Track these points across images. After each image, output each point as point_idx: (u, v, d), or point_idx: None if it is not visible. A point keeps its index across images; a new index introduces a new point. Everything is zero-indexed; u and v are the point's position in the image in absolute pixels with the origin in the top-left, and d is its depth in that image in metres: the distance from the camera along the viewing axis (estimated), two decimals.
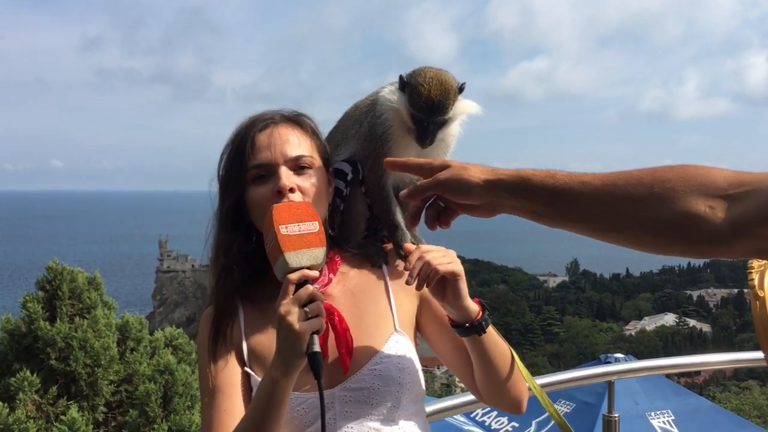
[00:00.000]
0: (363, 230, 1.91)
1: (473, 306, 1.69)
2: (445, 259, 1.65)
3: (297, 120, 1.80)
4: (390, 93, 1.84)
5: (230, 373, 1.71)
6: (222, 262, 1.74)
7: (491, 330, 1.74)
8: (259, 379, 1.65)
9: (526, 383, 1.86)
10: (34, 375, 5.87)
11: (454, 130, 1.87)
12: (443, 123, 1.81)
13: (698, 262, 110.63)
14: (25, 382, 5.78)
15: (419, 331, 1.86)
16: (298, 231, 1.56)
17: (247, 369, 1.71)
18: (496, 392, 1.80)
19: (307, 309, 1.50)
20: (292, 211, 1.59)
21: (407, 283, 1.62)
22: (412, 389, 1.71)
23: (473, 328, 1.69)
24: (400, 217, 1.86)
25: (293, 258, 1.54)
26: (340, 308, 1.70)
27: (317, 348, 1.50)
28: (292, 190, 1.68)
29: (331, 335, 1.68)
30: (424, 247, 1.69)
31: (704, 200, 1.25)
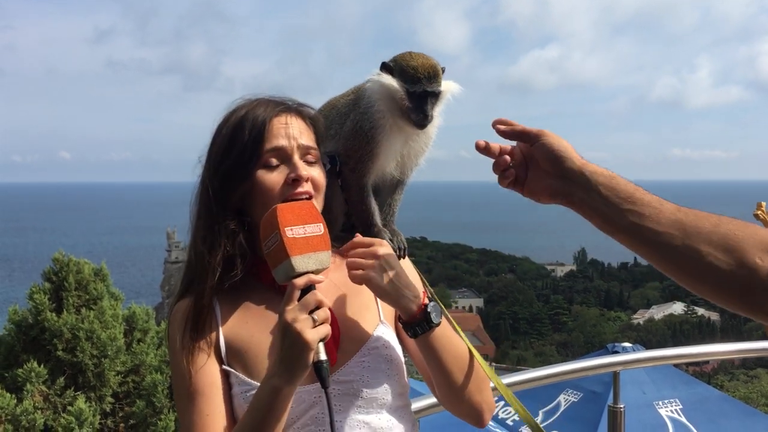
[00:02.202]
0: (341, 223, 1.88)
1: (410, 304, 1.63)
2: (363, 262, 1.63)
3: (304, 111, 1.75)
4: (379, 78, 1.80)
5: (209, 373, 1.62)
6: (224, 253, 1.64)
7: (445, 331, 1.67)
8: (241, 376, 1.61)
9: (492, 395, 1.78)
10: (42, 366, 5.89)
11: (438, 120, 1.85)
12: (437, 96, 1.80)
13: None
14: (33, 373, 5.79)
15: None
16: (304, 234, 1.51)
17: (226, 366, 1.64)
18: (454, 399, 1.74)
19: (314, 316, 1.45)
20: (296, 211, 1.54)
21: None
22: (399, 381, 1.68)
23: (418, 323, 1.64)
24: (377, 218, 1.84)
25: (300, 262, 1.48)
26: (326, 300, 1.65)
27: (323, 356, 1.46)
28: (307, 180, 1.64)
29: None
30: (359, 241, 1.67)
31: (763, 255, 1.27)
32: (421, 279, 1.85)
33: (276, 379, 1.46)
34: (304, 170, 1.64)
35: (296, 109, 1.73)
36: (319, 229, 1.54)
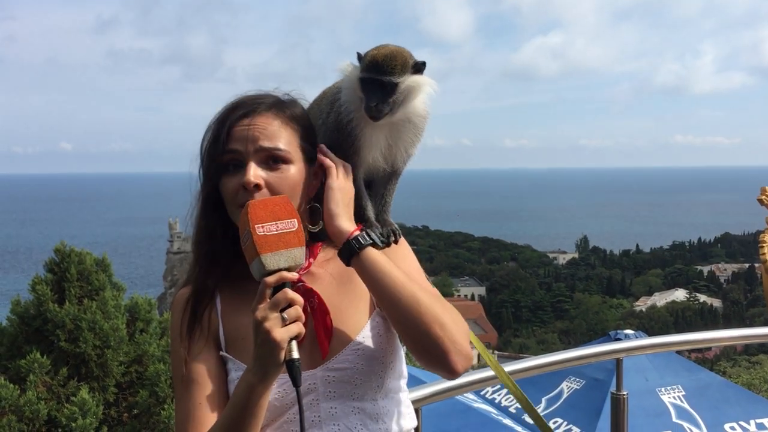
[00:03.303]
0: None
1: (348, 226, 1.63)
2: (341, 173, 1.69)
3: (282, 108, 1.71)
4: (347, 67, 1.78)
5: (206, 361, 1.64)
6: (206, 248, 1.69)
7: (383, 261, 1.61)
8: (238, 362, 1.62)
9: (455, 339, 1.59)
10: (45, 357, 5.91)
11: (418, 109, 1.78)
12: (390, 88, 1.71)
13: (709, 236, 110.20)
14: (36, 364, 5.81)
15: None
16: (276, 230, 1.48)
17: (224, 353, 1.65)
18: (407, 340, 1.62)
19: (285, 315, 1.44)
20: (269, 208, 1.51)
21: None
22: (396, 368, 1.69)
23: (348, 247, 1.60)
24: (371, 212, 1.80)
25: (270, 260, 1.46)
26: (321, 289, 1.64)
27: (296, 355, 1.44)
28: (257, 186, 1.60)
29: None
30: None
31: None
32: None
33: (250, 376, 1.47)
34: (254, 177, 1.60)
35: (273, 108, 1.70)
36: (292, 225, 1.50)
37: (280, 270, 1.47)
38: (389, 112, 1.73)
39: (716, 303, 77.47)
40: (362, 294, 1.72)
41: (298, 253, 1.50)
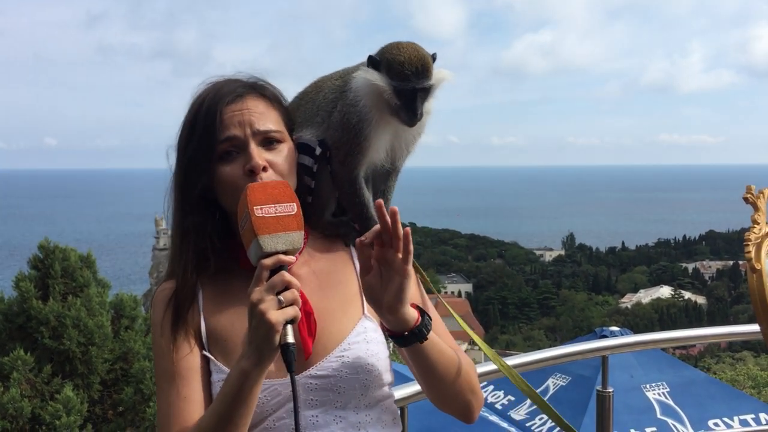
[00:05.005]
0: (333, 209, 1.80)
1: (412, 312, 1.56)
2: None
3: (262, 89, 1.70)
4: (365, 74, 1.71)
5: (190, 357, 1.60)
6: (194, 247, 1.63)
7: (434, 337, 1.61)
8: (219, 364, 1.59)
9: (477, 393, 1.71)
10: (28, 354, 5.86)
11: (431, 105, 1.77)
12: (428, 90, 1.72)
13: (694, 234, 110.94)
14: (19, 361, 5.77)
15: None
16: (275, 213, 1.47)
17: (206, 353, 1.61)
18: (439, 402, 1.71)
19: (281, 297, 1.41)
20: (268, 191, 1.50)
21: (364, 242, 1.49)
22: (381, 376, 1.63)
23: (413, 336, 1.56)
24: (373, 211, 1.76)
25: (268, 242, 1.45)
26: (305, 290, 1.56)
27: (291, 339, 1.42)
28: (264, 168, 1.60)
29: None
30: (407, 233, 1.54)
31: None
32: (414, 265, 1.81)
33: (244, 362, 1.43)
34: (260, 159, 1.60)
35: (254, 91, 1.68)
36: (291, 208, 1.50)
37: (277, 253, 1.46)
38: (424, 113, 1.73)
39: (701, 300, 78.04)
40: (349, 297, 1.68)
41: (297, 237, 1.49)
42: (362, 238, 1.50)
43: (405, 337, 1.57)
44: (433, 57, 1.75)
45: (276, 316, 1.40)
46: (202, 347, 1.63)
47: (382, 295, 1.52)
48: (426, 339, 1.58)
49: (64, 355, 6.06)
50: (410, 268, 1.51)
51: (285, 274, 1.44)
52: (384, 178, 1.86)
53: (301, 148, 1.73)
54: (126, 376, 6.34)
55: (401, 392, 2.64)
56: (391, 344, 1.71)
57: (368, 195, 1.78)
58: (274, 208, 1.48)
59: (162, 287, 1.69)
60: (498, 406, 5.52)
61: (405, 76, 1.68)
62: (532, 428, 5.50)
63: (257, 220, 1.46)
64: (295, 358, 1.43)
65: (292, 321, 1.43)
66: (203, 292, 1.67)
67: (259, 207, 1.47)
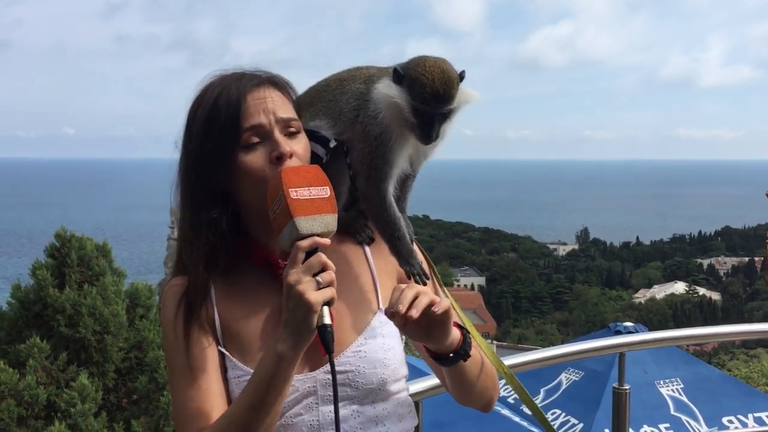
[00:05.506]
0: (345, 201, 1.78)
1: (455, 334, 1.58)
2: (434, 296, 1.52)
3: (279, 80, 1.68)
4: (386, 88, 1.68)
5: (208, 350, 1.58)
6: (209, 243, 1.59)
7: (476, 355, 1.65)
8: (235, 360, 1.57)
9: (498, 386, 1.78)
10: (44, 341, 5.91)
11: (451, 124, 1.75)
12: (448, 114, 1.69)
13: (709, 229, 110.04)
14: (35, 349, 5.82)
15: None
16: (309, 195, 1.47)
17: (222, 349, 1.59)
18: (468, 401, 1.75)
19: (319, 278, 1.41)
20: (302, 174, 1.50)
21: (398, 316, 1.47)
22: (397, 370, 1.63)
23: (457, 356, 1.59)
24: (404, 228, 1.74)
25: (304, 224, 1.44)
26: None
27: (328, 320, 1.42)
28: (291, 156, 1.58)
29: None
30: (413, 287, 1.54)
31: None
32: (426, 260, 1.80)
33: (280, 345, 1.42)
34: (287, 146, 1.58)
35: (270, 81, 1.66)
36: (325, 192, 1.49)
37: (313, 235, 1.45)
38: (443, 133, 1.72)
39: (715, 296, 77.45)
40: (365, 291, 1.67)
41: (331, 220, 1.49)
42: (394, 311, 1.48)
43: (449, 359, 1.59)
44: (461, 75, 1.71)
45: (315, 296, 1.40)
46: (218, 343, 1.60)
47: (426, 339, 1.55)
48: (469, 357, 1.60)
49: (79, 343, 6.11)
50: (447, 309, 1.51)
51: (322, 256, 1.44)
52: (401, 183, 1.84)
53: (314, 137, 1.71)
54: (140, 365, 6.38)
55: (416, 387, 2.64)
56: (403, 337, 1.71)
57: (398, 213, 1.75)
58: (308, 191, 1.47)
59: (171, 283, 1.66)
60: (510, 400, 5.51)
61: (425, 99, 1.64)
62: None
63: (293, 202, 1.45)
64: (333, 340, 1.43)
65: (328, 303, 1.43)
66: (215, 288, 1.64)
67: (294, 189, 1.46)
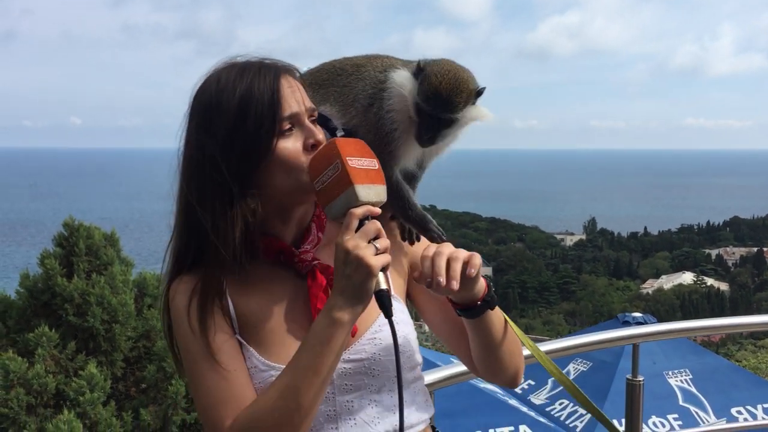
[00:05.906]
0: None
1: (482, 282, 1.57)
2: (464, 254, 1.52)
3: (291, 70, 1.65)
4: (401, 77, 1.69)
5: (227, 338, 1.53)
6: (245, 233, 1.51)
7: (496, 309, 1.64)
8: (252, 350, 1.53)
9: (522, 356, 1.76)
10: (53, 330, 5.94)
11: (458, 134, 1.75)
12: (449, 122, 1.68)
13: (718, 220, 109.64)
14: (44, 338, 5.84)
15: (408, 298, 1.77)
16: (362, 165, 1.48)
17: (239, 337, 1.55)
18: (496, 369, 1.73)
19: (376, 244, 1.41)
20: (353, 145, 1.51)
21: (438, 286, 1.47)
22: (413, 357, 1.63)
23: (485, 304, 1.59)
24: (413, 198, 1.76)
25: (363, 191, 1.45)
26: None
27: (384, 285, 1.43)
28: (322, 142, 1.59)
29: (323, 300, 1.54)
30: (439, 248, 1.52)
31: None
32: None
33: (335, 312, 1.41)
34: (321, 133, 1.59)
35: (291, 70, 1.64)
36: (374, 164, 1.51)
37: (369, 203, 1.46)
38: (440, 140, 1.71)
39: (723, 287, 77.21)
40: None
41: (382, 191, 1.50)
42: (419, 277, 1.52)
43: (477, 307, 1.59)
44: (479, 91, 1.71)
45: (375, 260, 1.40)
46: (234, 332, 1.56)
47: (456, 291, 1.53)
48: (497, 304, 1.61)
49: (87, 333, 6.13)
50: (479, 265, 1.52)
51: (377, 223, 1.44)
52: (410, 178, 1.85)
53: (321, 121, 1.69)
54: (149, 354, 6.41)
55: (428, 378, 2.63)
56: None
57: (407, 188, 1.77)
58: (361, 161, 1.48)
59: (179, 280, 1.59)
60: (518, 390, 5.51)
61: (427, 98, 1.66)
62: (552, 413, 5.49)
63: (352, 170, 1.45)
64: (391, 304, 1.43)
65: (383, 269, 1.43)
66: (227, 282, 1.58)
67: (351, 158, 1.47)
